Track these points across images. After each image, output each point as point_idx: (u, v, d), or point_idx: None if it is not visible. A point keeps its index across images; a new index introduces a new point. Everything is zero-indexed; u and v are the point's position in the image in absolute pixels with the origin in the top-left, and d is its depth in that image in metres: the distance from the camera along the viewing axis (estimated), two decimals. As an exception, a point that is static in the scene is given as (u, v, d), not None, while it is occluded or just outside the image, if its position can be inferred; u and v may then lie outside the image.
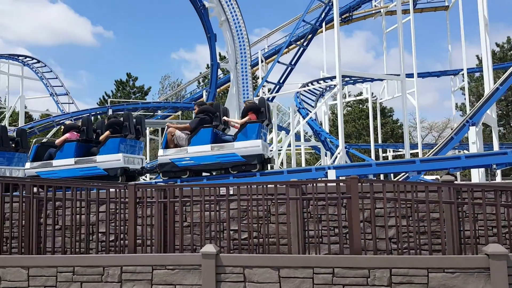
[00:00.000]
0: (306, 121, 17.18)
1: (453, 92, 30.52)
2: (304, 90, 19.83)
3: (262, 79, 20.53)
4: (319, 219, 6.85)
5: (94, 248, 6.61)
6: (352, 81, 26.03)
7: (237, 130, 8.88)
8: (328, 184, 5.65)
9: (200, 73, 38.04)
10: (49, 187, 6.16)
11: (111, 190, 5.86)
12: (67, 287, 5.36)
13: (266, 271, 4.96)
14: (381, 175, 8.31)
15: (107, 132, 9.20)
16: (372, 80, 26.90)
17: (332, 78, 21.91)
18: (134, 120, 9.79)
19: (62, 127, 9.89)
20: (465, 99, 36.94)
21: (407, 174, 10.16)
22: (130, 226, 5.54)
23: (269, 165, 10.21)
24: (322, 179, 7.81)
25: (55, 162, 9.14)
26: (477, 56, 35.55)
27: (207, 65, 47.61)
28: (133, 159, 9.54)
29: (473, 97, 35.53)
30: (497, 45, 35.83)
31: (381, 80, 26.88)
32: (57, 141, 9.65)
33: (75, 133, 9.43)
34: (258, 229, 5.83)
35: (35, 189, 6.31)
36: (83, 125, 9.40)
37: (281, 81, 18.23)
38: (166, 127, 9.30)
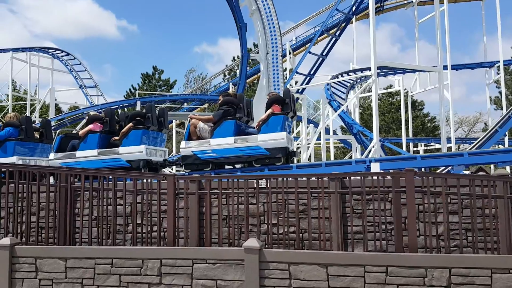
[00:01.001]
0: (338, 114, 16.73)
1: (488, 85, 29.52)
2: (334, 82, 19.34)
3: (290, 71, 20.17)
4: (362, 214, 6.57)
5: (129, 239, 6.48)
6: (383, 73, 25.38)
7: (260, 122, 8.61)
8: (367, 178, 5.32)
9: (226, 65, 37.93)
10: (86, 177, 6.02)
11: (149, 180, 5.68)
12: (106, 279, 5.21)
13: (313, 268, 4.67)
14: (422, 168, 7.86)
15: (130, 124, 9.04)
16: (404, 72, 26.17)
17: (363, 69, 21.33)
18: (157, 112, 9.62)
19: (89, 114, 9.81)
20: (500, 92, 35.72)
21: (449, 168, 9.68)
22: (170, 218, 5.33)
23: (295, 159, 9.91)
24: (364, 172, 7.44)
25: (78, 153, 9.05)
26: (513, 47, 34.14)
27: (233, 57, 47.63)
28: (156, 151, 9.38)
29: (508, 90, 34.29)
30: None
31: (414, 71, 26.12)
32: (81, 132, 9.53)
33: (99, 124, 9.32)
34: (297, 224, 5.52)
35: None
36: (106, 116, 9.28)
37: (311, 73, 17.83)
38: (189, 118, 9.07)
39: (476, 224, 5.15)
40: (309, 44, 18.82)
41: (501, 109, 34.92)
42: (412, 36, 73.21)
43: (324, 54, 17.77)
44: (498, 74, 29.86)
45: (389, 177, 5.37)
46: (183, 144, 8.85)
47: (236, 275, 4.82)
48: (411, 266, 4.46)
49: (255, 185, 6.82)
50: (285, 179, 5.98)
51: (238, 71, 16.39)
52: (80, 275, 5.32)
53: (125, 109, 25.52)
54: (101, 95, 30.41)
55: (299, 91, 17.77)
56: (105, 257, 5.22)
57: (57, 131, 23.55)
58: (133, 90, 44.49)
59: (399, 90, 38.51)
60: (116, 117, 9.73)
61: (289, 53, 24.01)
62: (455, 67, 26.60)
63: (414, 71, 26.97)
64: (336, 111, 17.01)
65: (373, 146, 13.91)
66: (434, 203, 5.08)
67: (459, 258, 4.44)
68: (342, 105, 17.47)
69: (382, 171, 6.97)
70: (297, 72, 17.10)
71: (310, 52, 16.96)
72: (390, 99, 38.33)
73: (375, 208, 5.58)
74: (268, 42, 14.56)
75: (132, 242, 5.57)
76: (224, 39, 78.80)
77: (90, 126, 9.26)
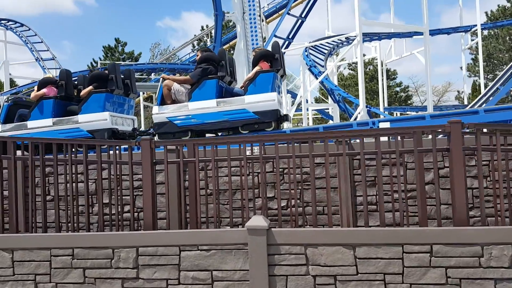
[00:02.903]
0: (320, 80, 15.66)
1: (463, 50, 29.17)
2: (311, 48, 18.18)
3: (264, 40, 18.78)
4: (373, 182, 5.59)
5: (95, 223, 5.30)
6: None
7: (247, 81, 7.43)
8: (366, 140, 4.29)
9: (195, 35, 36.02)
10: (36, 147, 4.74)
11: (117, 149, 4.45)
12: (66, 275, 4.04)
13: (337, 251, 3.65)
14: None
15: (90, 87, 7.67)
16: (379, 38, 25.33)
17: (340, 35, 20.27)
18: (122, 73, 8.25)
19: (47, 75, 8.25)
20: (472, 59, 35.62)
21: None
22: (146, 194, 4.14)
23: (285, 124, 8.84)
24: (384, 128, 6.41)
25: (30, 123, 7.59)
26: (486, 13, 33.90)
27: (202, 27, 45.54)
28: (123, 119, 8.07)
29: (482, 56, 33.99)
30: (508, 0, 34.05)
31: (390, 38, 25.36)
32: (32, 96, 7.98)
33: (54, 88, 7.89)
34: (313, 195, 4.44)
35: (18, 152, 4.90)
36: (61, 79, 7.83)
37: (290, 37, 16.55)
38: (161, 79, 7.76)
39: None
40: (284, 9, 17.45)
41: (475, 75, 34.96)
42: (376, 9, 72.16)
43: (303, 16, 16.55)
44: (472, 40, 29.70)
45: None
46: (155, 109, 7.57)
47: (238, 263, 3.75)
48: (462, 243, 3.49)
49: (246, 152, 5.75)
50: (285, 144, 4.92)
51: (213, 32, 14.95)
52: (32, 271, 4.13)
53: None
54: (59, 68, 28.10)
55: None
56: (64, 246, 4.04)
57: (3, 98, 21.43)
58: (94, 64, 41.92)
59: (372, 59, 38.02)
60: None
61: (262, 21, 22.59)
62: (431, 32, 25.95)
63: (389, 37, 26.31)
64: (317, 78, 15.93)
65: (359, 113, 13.00)
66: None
67: (524, 231, 3.50)
68: (322, 72, 16.38)
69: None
70: (275, 36, 15.86)
71: (289, 13, 15.69)
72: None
73: (384, 176, 4.56)
74: (244, 0, 13.20)
75: (99, 227, 4.37)
76: (187, 12, 75.69)
77: (43, 91, 7.82)
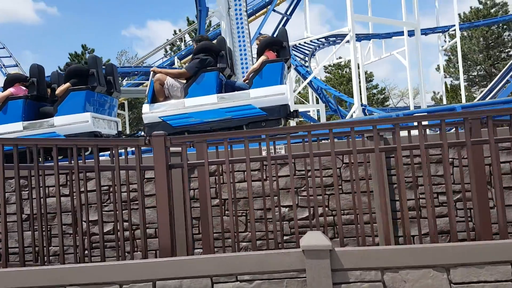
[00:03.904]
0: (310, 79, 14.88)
1: (440, 51, 29.19)
2: (295, 46, 17.43)
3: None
4: (416, 184, 4.75)
5: (95, 249, 4.22)
6: (339, 41, 23.97)
7: (252, 73, 6.52)
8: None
9: (167, 40, 34.76)
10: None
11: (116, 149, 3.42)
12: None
13: (425, 275, 2.74)
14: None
15: (67, 84, 6.56)
16: (359, 39, 24.92)
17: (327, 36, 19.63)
18: (104, 69, 7.17)
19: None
20: (446, 60, 35.87)
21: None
22: (162, 208, 3.10)
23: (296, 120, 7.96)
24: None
25: None
26: (459, 14, 34.18)
27: (174, 31, 44.21)
28: (105, 121, 6.99)
29: (454, 57, 34.28)
30: (480, 2, 34.54)
31: (369, 39, 25.01)
32: None
33: (23, 88, 6.74)
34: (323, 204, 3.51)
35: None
36: (32, 75, 6.69)
37: (275, 35, 15.69)
38: (152, 73, 6.75)
39: None
40: (269, 6, 16.61)
41: (450, 76, 35.19)
42: (340, 17, 72.49)
43: (288, 13, 15.79)
44: (445, 41, 29.83)
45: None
46: (145, 108, 6.52)
47: (292, 297, 2.79)
48: None
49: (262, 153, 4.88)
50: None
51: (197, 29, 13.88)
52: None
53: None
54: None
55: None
56: (52, 285, 2.96)
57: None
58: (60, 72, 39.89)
59: (348, 62, 37.76)
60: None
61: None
62: (409, 33, 25.81)
63: (368, 38, 25.96)
64: (305, 78, 15.14)
65: (354, 112, 12.26)
66: None
67: None
68: (309, 72, 15.60)
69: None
70: (260, 34, 15.00)
71: (274, 11, 14.88)
72: (339, 71, 37.29)
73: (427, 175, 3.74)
74: (229, -6, 12.28)
75: (101, 255, 3.30)
76: (153, 21, 73.68)
77: (10, 90, 6.64)
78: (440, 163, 4.96)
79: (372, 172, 4.90)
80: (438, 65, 37.19)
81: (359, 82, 13.38)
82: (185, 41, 34.85)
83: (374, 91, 37.54)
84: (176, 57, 27.35)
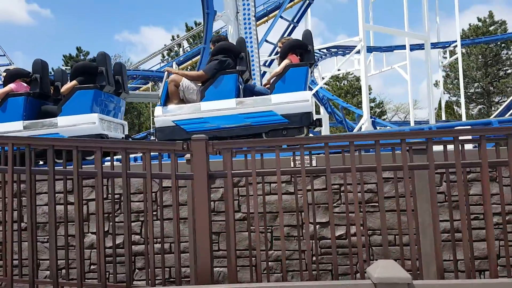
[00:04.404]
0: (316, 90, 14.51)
1: (441, 66, 29.14)
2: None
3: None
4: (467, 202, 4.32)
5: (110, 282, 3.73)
6: (341, 52, 23.79)
7: (274, 78, 6.11)
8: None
9: (165, 45, 34.34)
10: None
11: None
12: None
13: (520, 315, 2.30)
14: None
15: (73, 82, 6.07)
16: (359, 52, 24.79)
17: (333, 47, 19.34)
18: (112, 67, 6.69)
19: (2, 75, 6.47)
20: (443, 76, 35.89)
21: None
22: (202, 226, 2.62)
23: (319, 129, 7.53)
24: None
25: None
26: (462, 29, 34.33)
27: (172, 36, 43.87)
28: (113, 124, 6.51)
29: (452, 73, 34.38)
30: (479, 19, 34.73)
31: (371, 52, 24.84)
32: None
33: (24, 84, 6.23)
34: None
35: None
36: (35, 71, 6.19)
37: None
38: (166, 73, 6.30)
39: None
40: (278, 10, 16.27)
41: (448, 92, 35.17)
42: (332, 29, 72.72)
43: (295, 20, 15.47)
44: (445, 58, 29.81)
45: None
46: (158, 110, 6.04)
47: None
48: None
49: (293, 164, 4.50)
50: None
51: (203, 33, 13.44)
52: None
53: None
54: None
55: (267, 63, 15.27)
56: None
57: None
58: (64, 69, 39.20)
59: (346, 74, 37.68)
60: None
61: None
62: (411, 47, 25.71)
63: (370, 51, 25.79)
64: (311, 88, 14.81)
65: (363, 123, 11.90)
66: None
67: None
68: (316, 82, 15.28)
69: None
70: (266, 41, 14.68)
71: (281, 17, 14.54)
72: (337, 83, 37.15)
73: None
74: (238, -2, 11.88)
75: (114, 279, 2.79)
76: (146, 27, 73.09)
77: (10, 86, 6.13)
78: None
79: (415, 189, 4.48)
80: (436, 81, 37.34)
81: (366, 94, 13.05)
82: (183, 47, 34.54)
83: (372, 104, 37.44)
84: (174, 63, 26.99)
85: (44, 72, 6.28)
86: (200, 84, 6.05)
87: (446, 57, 29.62)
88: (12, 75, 6.20)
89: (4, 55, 26.54)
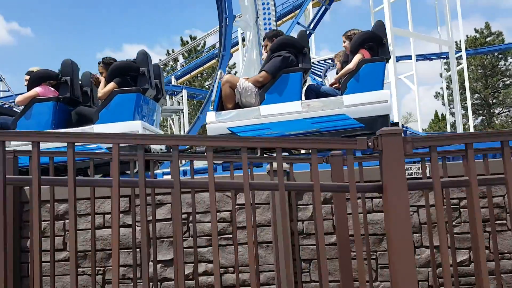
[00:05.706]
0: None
1: (443, 77, 28.87)
2: (313, 64, 16.49)
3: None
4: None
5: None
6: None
7: (346, 75, 5.33)
8: None
9: (160, 60, 33.51)
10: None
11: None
12: None
13: None
14: None
15: (112, 84, 5.22)
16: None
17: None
18: None
19: (26, 77, 5.54)
20: (442, 88, 35.73)
21: None
22: (408, 259, 1.79)
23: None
24: None
25: None
26: (456, 42, 34.31)
27: (167, 51, 43.08)
28: (153, 133, 5.67)
29: (452, 85, 34.12)
30: (476, 30, 34.78)
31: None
32: (19, 98, 5.34)
33: (51, 88, 5.36)
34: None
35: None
36: (65, 73, 5.33)
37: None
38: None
39: None
40: (296, 13, 15.65)
41: (449, 104, 34.92)
42: (322, 39, 73.01)
43: (311, 27, 14.83)
44: (446, 69, 29.56)
45: None
46: (211, 116, 5.18)
47: None
48: None
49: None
50: None
51: (218, 42, 12.66)
52: None
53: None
54: (8, 91, 24.67)
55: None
56: None
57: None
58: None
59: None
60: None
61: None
62: (417, 57, 25.41)
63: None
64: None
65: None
66: None
67: None
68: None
69: None
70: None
71: (298, 23, 13.86)
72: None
73: None
74: (258, 1, 11.14)
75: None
76: (128, 45, 72.22)
77: (36, 90, 5.23)
78: None
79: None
80: (436, 92, 37.19)
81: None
82: (176, 61, 33.97)
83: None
84: (173, 77, 26.35)
85: (74, 74, 5.40)
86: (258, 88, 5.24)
87: (446, 69, 29.49)
88: (38, 78, 5.30)
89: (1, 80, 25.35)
